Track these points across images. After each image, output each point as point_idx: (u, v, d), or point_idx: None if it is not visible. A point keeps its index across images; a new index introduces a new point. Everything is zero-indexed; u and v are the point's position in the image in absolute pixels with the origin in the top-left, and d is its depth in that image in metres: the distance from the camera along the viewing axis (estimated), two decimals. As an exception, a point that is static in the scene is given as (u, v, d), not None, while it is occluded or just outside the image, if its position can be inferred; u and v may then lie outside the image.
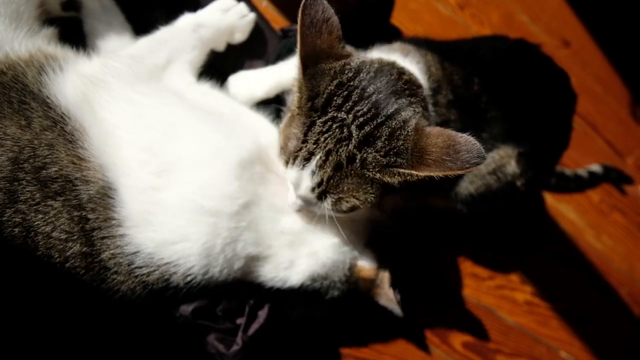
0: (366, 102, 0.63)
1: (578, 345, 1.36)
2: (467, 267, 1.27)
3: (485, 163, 0.93)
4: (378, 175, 0.62)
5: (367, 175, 0.63)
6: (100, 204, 0.66)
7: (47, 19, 0.84)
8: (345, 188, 0.64)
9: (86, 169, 0.67)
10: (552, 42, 1.64)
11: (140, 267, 0.68)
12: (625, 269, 1.55)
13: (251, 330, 0.79)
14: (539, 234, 1.43)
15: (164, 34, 0.83)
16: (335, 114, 0.63)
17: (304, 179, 0.65)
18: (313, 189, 0.65)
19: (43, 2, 0.84)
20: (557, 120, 1.05)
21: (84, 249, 0.66)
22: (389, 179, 0.62)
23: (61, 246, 0.66)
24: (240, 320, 0.80)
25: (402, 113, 0.64)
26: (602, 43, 1.73)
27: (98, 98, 0.71)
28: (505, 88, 0.94)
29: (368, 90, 0.64)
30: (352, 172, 0.63)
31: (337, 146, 0.62)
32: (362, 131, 0.62)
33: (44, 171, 0.65)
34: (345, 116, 0.63)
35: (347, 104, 0.63)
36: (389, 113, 0.64)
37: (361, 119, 0.63)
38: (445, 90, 0.84)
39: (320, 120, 0.63)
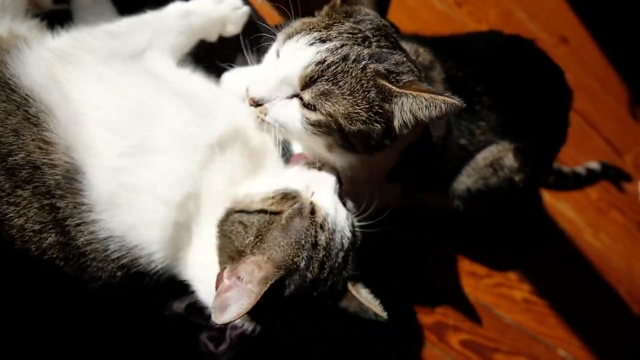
0: (390, 39, 0.70)
1: (576, 343, 1.35)
2: (465, 265, 1.26)
3: (482, 156, 0.94)
4: (371, 83, 0.65)
5: (362, 82, 0.64)
6: (68, 190, 0.64)
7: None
8: (341, 83, 0.64)
9: (53, 152, 0.64)
10: (550, 39, 1.64)
11: (114, 252, 0.67)
12: (623, 268, 1.55)
13: (241, 329, 0.77)
14: (537, 232, 1.42)
15: (149, 17, 0.81)
16: (363, 30, 0.68)
17: (306, 54, 0.65)
18: (307, 67, 0.64)
19: (33, -3, 0.83)
20: (552, 115, 1.05)
21: (60, 238, 0.65)
22: (376, 94, 0.65)
23: (36, 238, 0.64)
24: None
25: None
26: (601, 41, 1.72)
27: (65, 74, 0.68)
28: (499, 80, 0.95)
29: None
30: (353, 71, 0.64)
31: (354, 45, 0.65)
32: (380, 50, 0.67)
33: (10, 158, 0.63)
34: (370, 35, 0.68)
35: (376, 33, 0.69)
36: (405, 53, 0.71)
37: (382, 44, 0.68)
38: (439, 69, 0.86)
39: (350, 24, 0.68)
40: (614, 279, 1.50)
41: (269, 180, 0.74)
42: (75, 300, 0.71)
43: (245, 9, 0.94)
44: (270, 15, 1.14)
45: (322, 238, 0.68)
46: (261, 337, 0.82)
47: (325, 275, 0.68)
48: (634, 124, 1.76)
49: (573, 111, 1.11)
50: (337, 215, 0.70)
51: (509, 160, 0.93)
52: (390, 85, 0.65)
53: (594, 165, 1.48)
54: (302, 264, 0.66)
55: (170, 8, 0.84)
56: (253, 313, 0.68)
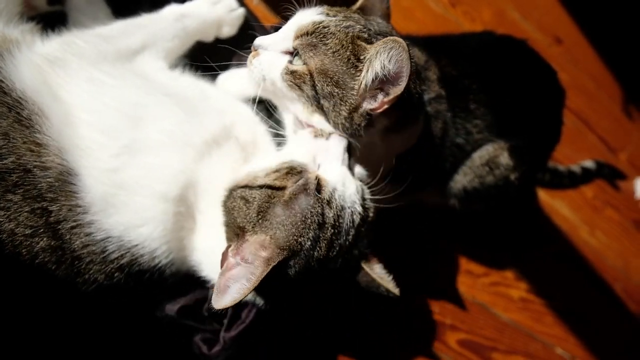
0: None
1: (573, 341, 1.35)
2: (462, 264, 1.26)
3: (478, 155, 0.94)
4: (349, 41, 0.71)
5: (343, 42, 0.71)
6: (61, 193, 0.64)
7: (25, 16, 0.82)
8: (328, 42, 0.71)
9: (45, 155, 0.64)
10: (544, 39, 1.65)
11: (113, 252, 0.67)
12: (619, 265, 1.55)
13: (234, 331, 0.77)
14: (533, 231, 1.43)
15: (143, 20, 0.81)
16: (368, 25, 0.75)
17: (311, 15, 0.74)
18: (307, 23, 0.72)
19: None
20: (546, 113, 1.06)
21: (52, 242, 0.64)
22: (351, 52, 0.70)
23: (27, 242, 0.64)
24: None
25: None
26: (594, 40, 1.74)
27: (56, 78, 0.69)
28: (493, 79, 0.96)
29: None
30: (340, 34, 0.71)
31: (352, 22, 0.73)
32: (372, 31, 0.74)
33: (0, 162, 0.62)
34: (371, 29, 0.75)
35: (379, 33, 0.75)
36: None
37: (374, 29, 0.76)
38: (434, 68, 0.88)
39: (359, 16, 0.77)
40: (610, 277, 1.51)
41: (273, 154, 0.74)
42: (66, 303, 0.70)
43: (241, 10, 0.94)
44: (266, 16, 1.14)
45: (330, 216, 0.64)
46: (255, 338, 0.82)
47: (335, 253, 0.65)
48: (628, 122, 1.77)
49: (567, 110, 1.12)
50: (345, 190, 0.67)
51: (505, 158, 0.94)
52: (363, 43, 0.70)
53: (589, 163, 1.49)
54: (308, 244, 0.63)
55: (165, 11, 0.84)
56: (258, 289, 0.68)
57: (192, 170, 0.70)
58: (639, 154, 1.75)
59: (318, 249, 0.64)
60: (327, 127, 0.73)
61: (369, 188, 0.72)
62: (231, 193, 0.69)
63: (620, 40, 1.80)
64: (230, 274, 0.62)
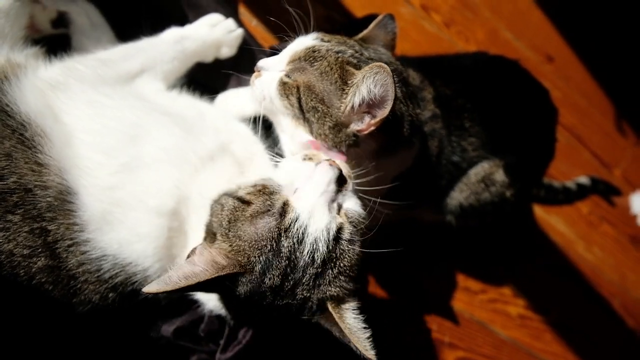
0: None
1: (572, 358, 1.35)
2: (459, 280, 1.26)
3: (474, 172, 0.96)
4: (338, 66, 0.74)
5: (331, 65, 0.74)
6: (59, 212, 0.65)
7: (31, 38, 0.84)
8: (316, 64, 0.75)
9: (46, 174, 0.65)
10: (537, 57, 1.68)
11: (108, 271, 0.67)
12: (616, 280, 1.56)
13: (230, 352, 0.76)
14: (529, 247, 1.43)
15: (143, 43, 0.84)
16: (362, 52, 0.79)
17: (306, 41, 0.79)
18: (300, 49, 0.77)
19: (32, 22, 0.84)
20: (539, 131, 1.07)
21: (50, 262, 0.65)
22: (339, 76, 0.73)
23: (25, 262, 0.64)
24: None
25: None
26: (585, 58, 1.77)
27: (57, 101, 0.70)
28: (487, 98, 0.98)
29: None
30: (329, 58, 0.75)
31: (344, 46, 0.78)
32: (363, 57, 0.78)
33: (1, 183, 0.63)
34: (365, 53, 0.79)
35: (366, 51, 0.79)
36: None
37: (365, 55, 0.79)
38: (429, 88, 0.90)
39: (354, 42, 0.80)
40: (607, 292, 1.51)
41: (262, 170, 0.76)
42: (62, 324, 0.70)
43: (239, 31, 0.96)
44: (265, 37, 1.17)
45: (285, 245, 0.60)
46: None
47: (290, 287, 0.61)
48: (621, 138, 1.80)
49: (561, 126, 1.14)
50: (310, 222, 0.62)
51: (500, 175, 0.95)
52: (351, 68, 0.73)
53: (584, 180, 1.51)
54: (258, 268, 0.60)
55: (165, 34, 0.86)
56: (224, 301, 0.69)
57: (187, 184, 0.72)
58: (633, 169, 1.77)
59: (270, 276, 0.61)
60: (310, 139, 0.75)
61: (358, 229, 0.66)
62: (219, 197, 0.69)
63: (610, 57, 1.84)
64: (184, 271, 0.59)
